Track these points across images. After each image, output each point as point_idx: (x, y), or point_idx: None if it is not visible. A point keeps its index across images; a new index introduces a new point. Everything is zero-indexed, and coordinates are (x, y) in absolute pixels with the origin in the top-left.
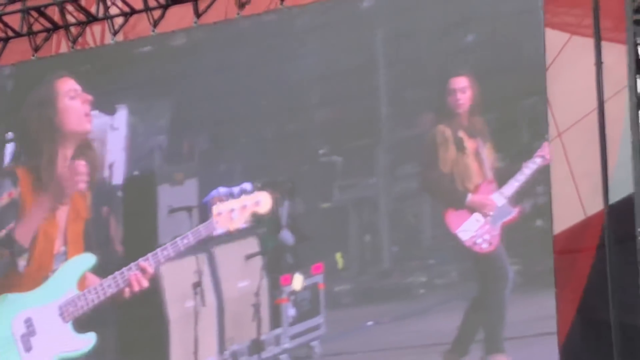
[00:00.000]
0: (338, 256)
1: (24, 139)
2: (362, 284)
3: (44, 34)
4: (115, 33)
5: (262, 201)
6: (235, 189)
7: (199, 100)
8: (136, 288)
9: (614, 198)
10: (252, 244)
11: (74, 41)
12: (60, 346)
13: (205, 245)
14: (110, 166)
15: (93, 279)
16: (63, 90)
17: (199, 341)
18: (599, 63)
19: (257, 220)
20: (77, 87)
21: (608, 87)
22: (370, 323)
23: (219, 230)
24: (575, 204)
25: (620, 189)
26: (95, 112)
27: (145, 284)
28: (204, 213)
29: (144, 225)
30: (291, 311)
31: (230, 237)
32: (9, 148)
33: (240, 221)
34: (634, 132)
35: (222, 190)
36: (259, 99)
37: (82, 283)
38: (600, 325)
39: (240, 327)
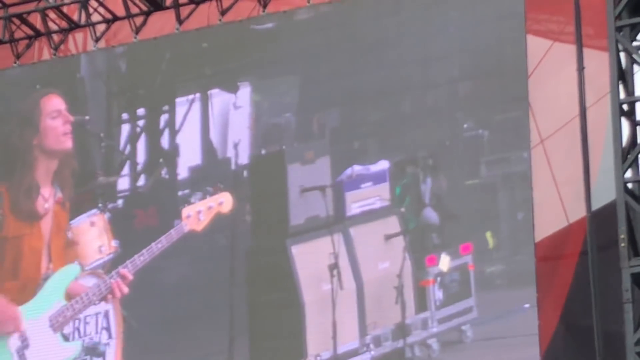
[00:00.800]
0: (488, 235)
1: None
2: (516, 264)
3: (25, 41)
4: (97, 40)
5: (225, 202)
6: (198, 193)
7: (327, 76)
8: (117, 295)
9: (597, 205)
10: (391, 224)
11: (56, 48)
12: (52, 356)
13: (341, 225)
14: (236, 145)
15: (79, 288)
16: (46, 110)
17: (338, 325)
18: (580, 69)
19: None
20: (61, 106)
21: (590, 93)
22: (527, 306)
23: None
24: (558, 210)
25: (603, 196)
26: (216, 90)
27: (126, 290)
28: (338, 192)
29: (273, 206)
30: (438, 293)
31: (367, 216)
32: None
33: (205, 222)
34: (616, 139)
35: (356, 168)
36: (393, 73)
37: (68, 293)
38: (583, 332)
39: (382, 311)
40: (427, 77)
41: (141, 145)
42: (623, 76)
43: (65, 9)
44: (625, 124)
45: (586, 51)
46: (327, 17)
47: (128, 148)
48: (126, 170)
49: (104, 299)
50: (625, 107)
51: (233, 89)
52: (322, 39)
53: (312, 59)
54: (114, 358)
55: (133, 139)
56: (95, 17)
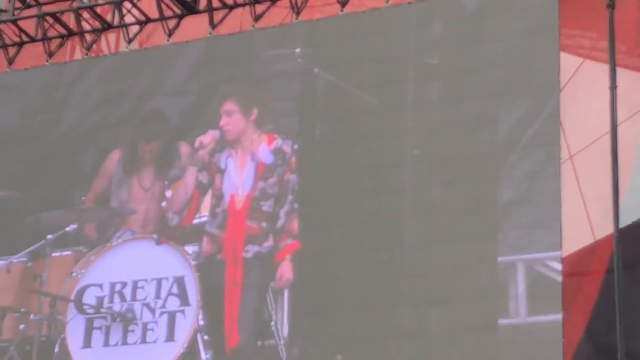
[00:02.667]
0: None
1: None
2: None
3: (58, 40)
4: (130, 41)
5: None
6: None
7: (356, 84)
8: None
9: (625, 222)
10: None
11: (89, 48)
12: None
13: None
14: None
15: None
16: None
17: None
18: (613, 86)
19: None
20: None
21: (621, 111)
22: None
23: None
24: (584, 226)
25: (631, 214)
26: None
27: None
28: None
29: None
30: None
31: None
32: None
33: None
34: None
35: None
36: (425, 85)
37: None
38: (607, 349)
39: None
40: (459, 91)
41: None
42: None
43: (98, 10)
44: None
45: (618, 70)
46: (358, 26)
47: None
48: None
49: None
50: None
51: None
52: (351, 49)
53: (342, 68)
54: (191, 325)
55: None
56: (128, 19)
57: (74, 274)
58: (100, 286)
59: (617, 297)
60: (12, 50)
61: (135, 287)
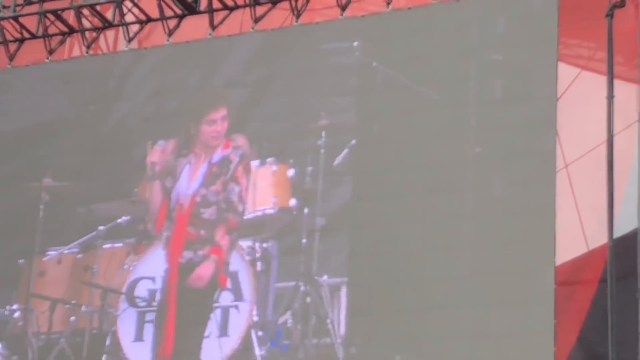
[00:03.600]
0: None
1: None
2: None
3: (58, 37)
4: (130, 40)
5: None
6: None
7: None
8: None
9: (618, 233)
10: None
11: (89, 46)
12: None
13: None
14: None
15: None
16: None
17: None
18: (610, 96)
19: None
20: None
21: (618, 122)
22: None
23: None
24: (578, 236)
25: (625, 224)
26: None
27: None
28: None
29: None
30: None
31: None
32: None
33: None
34: None
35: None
36: (423, 92)
37: None
38: (598, 359)
39: None
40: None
41: None
42: None
43: (99, 8)
44: None
45: (615, 80)
46: (417, 21)
47: None
48: None
49: None
50: None
51: None
52: (410, 43)
53: (401, 63)
54: (246, 321)
55: None
56: (129, 18)
57: (125, 267)
58: (153, 279)
59: (609, 307)
60: (12, 47)
61: None
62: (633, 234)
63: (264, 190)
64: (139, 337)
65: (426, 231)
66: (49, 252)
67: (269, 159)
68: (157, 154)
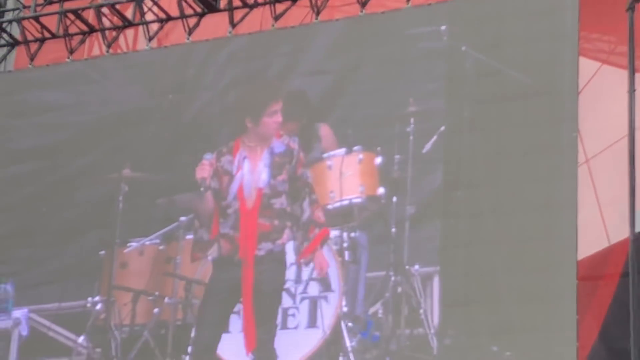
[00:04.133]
0: None
1: None
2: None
3: (79, 37)
4: (150, 39)
5: None
6: None
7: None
8: None
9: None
10: None
11: (109, 45)
12: None
13: None
14: None
15: None
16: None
17: None
18: (631, 90)
19: None
20: None
21: (639, 116)
22: None
23: None
24: (599, 230)
25: None
26: None
27: None
28: None
29: None
30: None
31: None
32: None
33: None
34: None
35: None
36: (442, 86)
37: None
38: (620, 354)
39: None
40: (477, 93)
41: None
42: None
43: (119, 7)
44: None
45: (637, 74)
46: (446, 14)
47: None
48: None
49: None
50: None
51: None
52: (500, 27)
53: (491, 47)
54: (335, 312)
55: None
56: (149, 17)
57: (209, 257)
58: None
59: (631, 301)
60: (33, 47)
61: None
62: None
63: (350, 179)
64: (225, 329)
65: (519, 220)
66: (131, 244)
67: (355, 147)
68: (206, 168)
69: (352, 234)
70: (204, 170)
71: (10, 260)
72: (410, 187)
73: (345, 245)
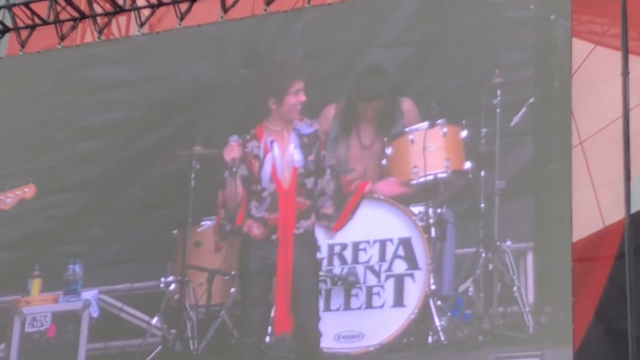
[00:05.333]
0: None
1: None
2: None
3: (70, 23)
4: (142, 25)
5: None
6: None
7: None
8: None
9: (635, 208)
10: None
11: (101, 31)
12: None
13: None
14: None
15: None
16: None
17: None
18: (625, 72)
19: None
20: None
21: (633, 97)
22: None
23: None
24: (594, 212)
25: None
26: None
27: None
28: None
29: None
30: None
31: None
32: None
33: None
34: None
35: None
36: (436, 71)
37: None
38: (617, 335)
39: None
40: (470, 76)
41: None
42: None
43: None
44: None
45: (630, 56)
46: (375, 11)
47: None
48: None
49: None
50: None
51: None
52: (447, 20)
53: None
54: (422, 290)
55: None
56: (140, 2)
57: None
58: (318, 248)
59: (628, 282)
60: (24, 33)
61: (356, 249)
62: None
63: (434, 153)
64: None
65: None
66: (204, 222)
67: (439, 121)
68: (235, 149)
69: (439, 210)
70: (233, 151)
71: (79, 240)
72: (499, 161)
73: (431, 221)
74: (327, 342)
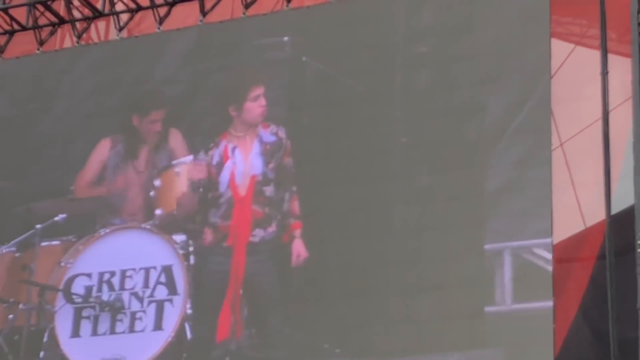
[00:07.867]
0: None
1: None
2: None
3: (49, 28)
4: (120, 29)
5: None
6: None
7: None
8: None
9: (615, 209)
10: None
11: (79, 36)
12: None
13: None
14: None
15: None
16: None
17: None
18: (604, 72)
19: None
20: None
21: (613, 97)
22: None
23: None
24: (575, 213)
25: (622, 201)
26: None
27: None
28: None
29: None
30: None
31: None
32: None
33: None
34: (637, 144)
35: None
36: (415, 73)
37: None
38: (599, 337)
39: None
40: (448, 79)
41: None
42: None
43: None
44: None
45: (609, 56)
46: (347, 14)
47: None
48: None
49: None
50: None
51: None
52: (339, 36)
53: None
54: (179, 314)
55: None
56: (119, 7)
57: (62, 264)
58: (89, 275)
59: (608, 284)
60: (2, 39)
61: (123, 276)
62: (630, 210)
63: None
64: (75, 333)
65: (359, 219)
66: None
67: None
68: (204, 169)
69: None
70: (201, 172)
71: None
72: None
73: (190, 249)
74: None
